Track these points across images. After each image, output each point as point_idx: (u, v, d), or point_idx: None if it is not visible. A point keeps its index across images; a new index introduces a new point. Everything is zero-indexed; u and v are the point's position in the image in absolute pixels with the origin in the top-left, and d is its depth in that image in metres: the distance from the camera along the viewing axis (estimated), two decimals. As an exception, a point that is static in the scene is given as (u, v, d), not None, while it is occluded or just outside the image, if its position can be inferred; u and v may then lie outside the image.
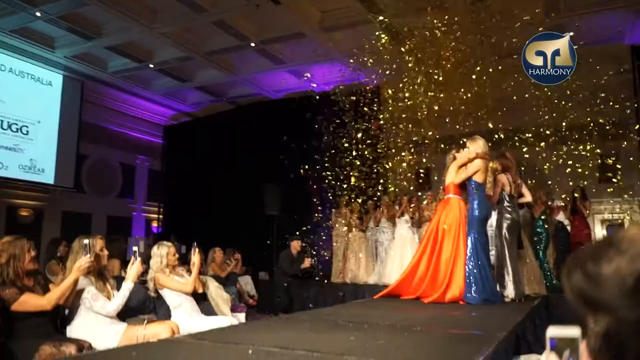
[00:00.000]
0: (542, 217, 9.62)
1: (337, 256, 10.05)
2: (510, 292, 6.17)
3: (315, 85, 11.11)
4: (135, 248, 3.90)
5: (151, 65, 10.09)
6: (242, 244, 11.31)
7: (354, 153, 9.72)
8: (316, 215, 9.59)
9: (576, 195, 9.36)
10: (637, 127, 9.81)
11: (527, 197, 6.57)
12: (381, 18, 8.17)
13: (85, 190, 11.64)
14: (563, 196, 9.80)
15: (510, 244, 6.30)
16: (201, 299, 5.02)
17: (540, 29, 8.95)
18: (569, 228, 9.51)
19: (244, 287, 10.41)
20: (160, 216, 13.07)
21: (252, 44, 9.05)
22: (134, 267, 3.75)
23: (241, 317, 6.68)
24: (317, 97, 11.17)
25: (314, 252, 9.34)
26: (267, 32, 8.79)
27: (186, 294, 4.52)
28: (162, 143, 13.36)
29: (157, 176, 13.31)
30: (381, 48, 9.16)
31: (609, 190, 10.60)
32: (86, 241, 3.46)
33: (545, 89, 9.95)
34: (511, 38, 9.18)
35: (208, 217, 12.09)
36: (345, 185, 9.64)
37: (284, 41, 9.06)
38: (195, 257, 4.63)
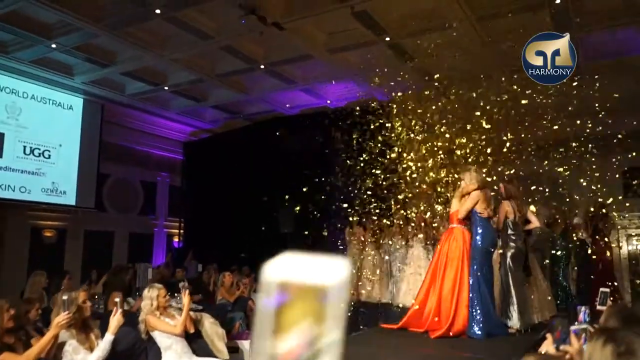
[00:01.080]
0: (562, 236, 9.40)
1: (351, 276, 10.05)
2: (515, 322, 6.05)
3: (329, 102, 11.15)
4: (118, 299, 3.94)
5: (166, 88, 10.28)
6: (259, 260, 11.43)
7: (368, 169, 9.64)
8: (324, 232, 9.55)
9: (595, 212, 9.08)
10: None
11: (535, 223, 6.42)
12: (388, 39, 8.12)
13: (107, 209, 11.95)
14: (582, 213, 9.52)
15: (515, 273, 6.17)
16: (196, 337, 5.09)
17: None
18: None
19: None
20: (181, 231, 13.30)
21: (262, 67, 9.12)
22: (115, 319, 3.82)
23: (246, 344, 6.75)
24: (331, 114, 11.27)
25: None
26: (274, 55, 8.84)
27: (177, 335, 4.58)
28: (182, 159, 13.59)
29: (178, 192, 13.56)
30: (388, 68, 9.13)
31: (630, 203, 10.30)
32: (65, 297, 3.56)
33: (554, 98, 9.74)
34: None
35: (227, 231, 12.26)
36: (358, 202, 9.58)
37: (292, 63, 9.10)
38: (185, 299, 4.69)
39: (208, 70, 9.58)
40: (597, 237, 8.98)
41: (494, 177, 7.56)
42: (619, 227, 10.32)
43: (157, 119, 12.42)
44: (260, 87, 10.33)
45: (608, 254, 8.97)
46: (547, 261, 9.39)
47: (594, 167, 9.92)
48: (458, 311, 5.74)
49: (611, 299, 8.27)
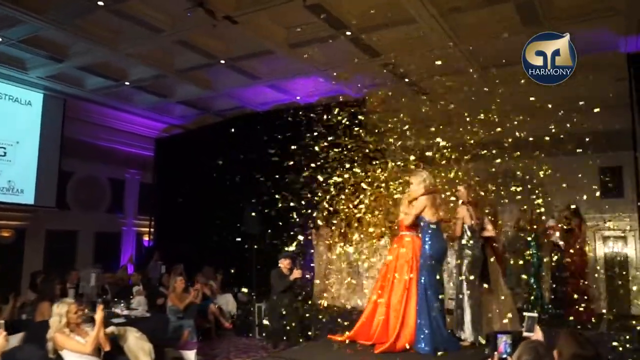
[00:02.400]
0: (534, 238, 9.08)
1: (319, 276, 9.72)
2: (468, 335, 5.73)
3: (299, 98, 10.78)
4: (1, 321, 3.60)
5: (127, 83, 9.90)
6: (228, 260, 11.10)
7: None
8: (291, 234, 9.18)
9: (569, 214, 8.73)
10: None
11: (490, 232, 6.07)
12: (348, 33, 7.74)
13: (71, 208, 11.58)
14: (556, 214, 9.17)
15: (471, 282, 5.84)
16: (117, 354, 4.76)
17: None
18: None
19: (225, 306, 10.18)
20: (152, 230, 12.95)
21: (222, 61, 8.74)
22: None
23: (190, 355, 6.42)
24: (301, 110, 10.92)
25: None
26: (235, 50, 8.48)
27: (88, 354, 4.24)
28: (153, 156, 13.22)
29: (149, 189, 13.20)
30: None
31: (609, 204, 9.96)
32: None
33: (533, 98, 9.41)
34: (494, 49, 8.65)
35: (198, 231, 11.92)
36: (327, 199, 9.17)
37: (253, 58, 8.73)
38: (98, 314, 4.35)
39: (168, 66, 9.21)
40: (570, 239, 8.63)
41: (460, 179, 7.24)
42: (595, 229, 9.99)
43: (123, 115, 12.04)
44: (225, 82, 9.97)
45: (583, 257, 8.62)
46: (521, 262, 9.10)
47: (573, 166, 9.70)
48: (405, 324, 5.42)
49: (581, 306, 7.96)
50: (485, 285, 6.37)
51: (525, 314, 3.08)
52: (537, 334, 2.96)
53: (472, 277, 5.79)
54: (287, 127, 10.79)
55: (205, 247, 11.40)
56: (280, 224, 10.16)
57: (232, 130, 11.44)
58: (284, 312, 6.84)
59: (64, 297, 6.95)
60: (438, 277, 5.44)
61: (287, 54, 8.48)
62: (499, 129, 10.16)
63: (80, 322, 4.38)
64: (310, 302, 8.86)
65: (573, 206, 8.74)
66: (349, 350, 5.39)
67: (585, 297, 8.28)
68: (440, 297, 5.49)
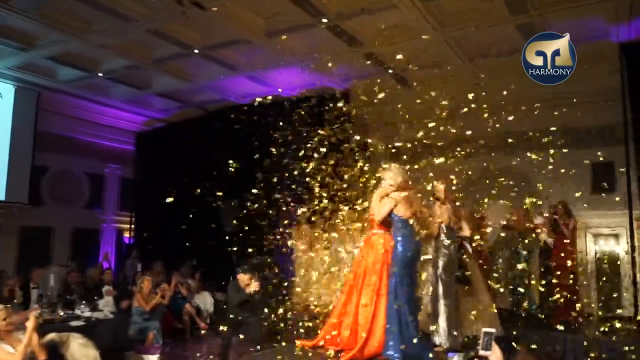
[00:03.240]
0: (522, 237, 8.74)
1: (299, 278, 9.38)
2: (442, 340, 5.38)
3: (281, 90, 10.41)
4: None
5: (100, 74, 9.53)
6: (207, 258, 10.77)
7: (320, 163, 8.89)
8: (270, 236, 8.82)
9: (559, 211, 8.37)
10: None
11: (465, 232, 5.71)
12: (325, 20, 7.37)
13: (46, 203, 11.22)
14: (546, 215, 8.81)
15: (446, 283, 5.49)
16: (58, 363, 4.40)
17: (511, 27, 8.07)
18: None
19: (203, 305, 9.86)
20: (133, 226, 12.59)
21: (195, 51, 8.37)
22: None
23: (153, 358, 6.08)
24: (285, 103, 10.55)
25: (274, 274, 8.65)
26: (208, 39, 8.10)
27: (19, 365, 3.88)
28: (134, 150, 12.84)
29: (130, 184, 12.83)
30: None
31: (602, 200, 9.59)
32: None
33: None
34: (480, 38, 8.28)
35: (180, 227, 11.56)
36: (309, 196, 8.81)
37: (229, 47, 8.36)
38: (30, 321, 3.98)
39: (141, 56, 8.85)
40: (559, 237, 8.28)
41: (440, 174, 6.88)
42: (586, 227, 9.64)
43: (101, 108, 11.66)
44: (203, 74, 9.60)
45: (571, 256, 8.26)
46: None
47: (564, 162, 9.33)
48: (374, 329, 5.06)
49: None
50: (465, 287, 6.05)
51: (483, 329, 2.71)
52: (495, 353, 2.60)
53: (447, 278, 5.45)
54: (269, 120, 10.48)
55: (184, 244, 11.05)
56: (259, 221, 9.85)
57: (214, 124, 11.11)
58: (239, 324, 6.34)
59: (13, 299, 6.66)
60: (410, 278, 5.07)
61: (264, 43, 8.13)
62: (486, 123, 9.91)
63: (11, 329, 4.02)
64: (289, 302, 8.53)
65: (563, 203, 8.36)
66: (311, 356, 5.03)
67: (574, 298, 7.95)
68: (413, 300, 5.13)
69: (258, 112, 10.82)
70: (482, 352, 2.68)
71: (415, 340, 4.98)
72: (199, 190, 10.52)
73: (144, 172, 12.65)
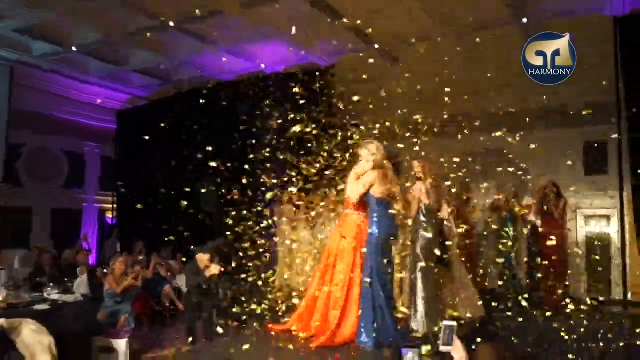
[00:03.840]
0: (510, 219, 8.50)
1: (280, 259, 9.13)
2: (420, 325, 5.14)
3: (264, 66, 10.06)
4: None
5: (74, 49, 9.13)
6: (190, 237, 10.51)
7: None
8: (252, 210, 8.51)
9: (548, 192, 8.10)
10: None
11: (443, 213, 5.44)
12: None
13: (23, 183, 10.89)
14: (535, 195, 8.55)
15: (425, 267, 5.23)
16: (9, 349, 4.14)
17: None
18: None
19: (184, 288, 9.61)
20: (115, 206, 12.28)
21: (171, 24, 7.98)
22: None
23: (121, 343, 5.83)
24: (268, 79, 10.21)
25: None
26: (181, 11, 7.71)
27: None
28: (115, 128, 12.47)
29: (112, 164, 12.49)
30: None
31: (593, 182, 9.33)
32: None
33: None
34: (468, 11, 7.93)
35: (162, 207, 11.29)
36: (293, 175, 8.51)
37: (204, 20, 7.96)
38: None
39: (113, 29, 8.46)
40: (548, 219, 8.02)
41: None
42: (575, 208, 9.38)
43: (81, 85, 11.25)
44: (180, 48, 9.24)
45: (560, 238, 8.01)
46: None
47: (555, 141, 9.05)
48: (346, 315, 4.82)
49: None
50: (445, 269, 5.81)
51: (443, 322, 2.44)
52: (457, 349, 2.34)
53: (426, 261, 5.19)
54: (252, 98, 10.16)
55: (167, 224, 10.79)
56: (242, 199, 9.58)
57: (196, 101, 10.76)
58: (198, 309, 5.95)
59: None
60: (385, 261, 4.81)
61: (240, 15, 7.73)
62: (474, 101, 9.60)
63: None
64: (271, 284, 8.29)
65: (553, 183, 8.09)
66: (273, 342, 4.77)
67: (563, 281, 7.74)
68: (388, 284, 4.88)
69: (240, 89, 10.54)
70: (443, 348, 2.42)
71: (391, 326, 4.74)
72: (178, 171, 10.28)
73: (125, 151, 12.30)
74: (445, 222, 7.02)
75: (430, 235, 5.19)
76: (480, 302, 6.13)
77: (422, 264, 5.15)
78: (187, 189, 9.97)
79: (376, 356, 4.43)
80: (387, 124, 9.13)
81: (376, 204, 4.85)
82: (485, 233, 8.56)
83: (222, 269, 6.02)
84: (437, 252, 5.34)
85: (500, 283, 8.01)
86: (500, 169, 9.34)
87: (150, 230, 10.99)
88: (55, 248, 10.07)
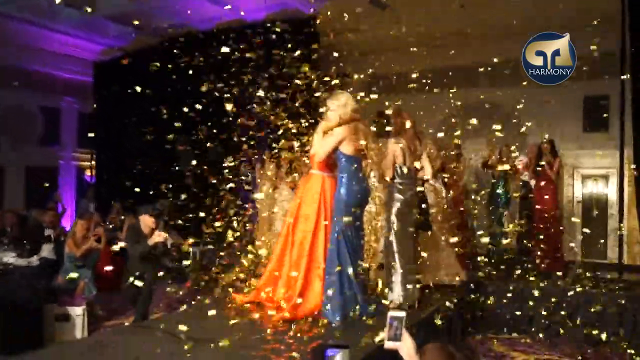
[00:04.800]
0: (502, 177, 8.00)
1: (261, 223, 8.66)
2: (396, 296, 4.71)
3: (243, 13, 9.37)
4: None
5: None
6: (168, 196, 10.08)
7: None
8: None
9: (542, 149, 7.57)
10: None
11: (427, 172, 4.93)
12: None
13: (-7, 141, 10.41)
14: (528, 153, 8.01)
15: (400, 232, 4.75)
16: None
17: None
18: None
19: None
20: (94, 163, 11.80)
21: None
22: None
23: (77, 310, 5.46)
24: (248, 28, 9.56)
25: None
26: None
27: None
28: (92, 81, 11.85)
29: (90, 119, 11.93)
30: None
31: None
32: None
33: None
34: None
35: (142, 165, 10.82)
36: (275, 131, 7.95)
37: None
38: None
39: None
40: (542, 177, 7.51)
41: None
42: (575, 166, 8.88)
43: (55, 35, 10.59)
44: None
45: (553, 199, 7.52)
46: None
47: (553, 95, 8.44)
48: (310, 285, 4.39)
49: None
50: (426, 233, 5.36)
51: (389, 313, 1.97)
52: (406, 344, 1.88)
53: (402, 226, 4.71)
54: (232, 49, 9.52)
55: (146, 183, 10.33)
56: (221, 158, 9.06)
57: (173, 52, 10.11)
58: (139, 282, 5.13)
59: None
60: (355, 226, 4.33)
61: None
62: (468, 52, 8.96)
63: None
64: (250, 249, 7.89)
65: (548, 140, 7.54)
66: (231, 315, 4.34)
67: (556, 244, 7.30)
68: (358, 251, 4.42)
69: (219, 39, 9.87)
70: (388, 345, 1.96)
71: (360, 298, 4.31)
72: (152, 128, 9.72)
73: (104, 105, 11.72)
74: (431, 182, 6.57)
75: (406, 197, 4.69)
76: (459, 265, 5.72)
77: (398, 229, 4.67)
78: (168, 146, 9.50)
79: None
80: (374, 75, 8.60)
81: (346, 162, 4.34)
82: (476, 193, 8.07)
83: (167, 237, 5.45)
84: (416, 215, 4.86)
85: (490, 247, 7.57)
86: (494, 125, 8.83)
87: (129, 190, 10.55)
88: (28, 208, 9.67)
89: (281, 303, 4.33)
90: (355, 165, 4.38)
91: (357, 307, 4.25)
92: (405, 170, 4.71)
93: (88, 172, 12.03)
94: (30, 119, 11.15)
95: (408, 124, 4.71)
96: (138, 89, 8.67)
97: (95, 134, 11.47)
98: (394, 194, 4.73)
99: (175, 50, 9.68)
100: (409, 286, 4.72)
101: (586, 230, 7.36)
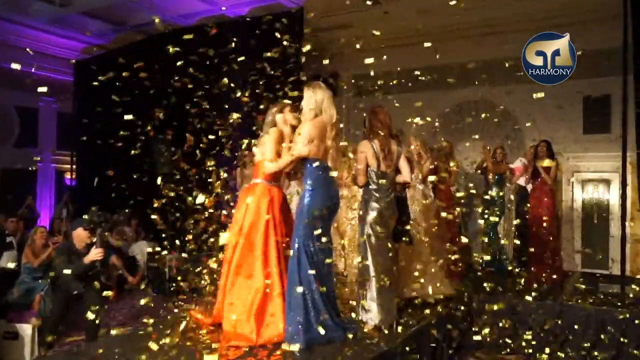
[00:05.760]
0: (496, 182, 7.53)
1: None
2: (373, 316, 4.22)
3: (224, 8, 8.93)
4: None
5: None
6: (145, 202, 9.64)
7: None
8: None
9: (539, 152, 7.08)
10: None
11: (404, 176, 4.43)
12: None
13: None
14: (525, 156, 7.53)
15: (377, 245, 4.27)
16: None
17: None
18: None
19: (139, 256, 8.80)
20: (74, 166, 11.32)
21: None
22: None
23: (27, 328, 4.97)
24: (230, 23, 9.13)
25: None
26: None
27: None
28: (73, 81, 11.38)
29: (69, 120, 11.46)
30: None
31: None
32: None
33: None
34: None
35: (122, 168, 10.36)
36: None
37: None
38: None
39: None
40: (539, 182, 7.03)
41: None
42: (573, 170, 8.38)
43: (32, 32, 10.13)
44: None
45: (550, 205, 7.03)
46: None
47: (552, 95, 7.94)
48: (266, 309, 3.89)
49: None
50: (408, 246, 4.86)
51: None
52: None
53: (377, 238, 4.22)
54: (214, 45, 9.10)
55: (123, 187, 9.87)
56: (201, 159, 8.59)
57: (155, 49, 9.68)
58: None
59: None
60: (322, 240, 3.84)
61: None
62: (464, 48, 8.49)
63: None
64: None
65: (545, 142, 7.05)
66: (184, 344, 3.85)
67: (553, 253, 6.81)
68: (324, 267, 3.92)
69: (201, 35, 9.44)
70: None
71: (328, 321, 3.81)
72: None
73: (84, 105, 11.24)
74: (419, 187, 6.09)
75: (382, 205, 4.20)
76: (446, 279, 5.24)
77: (373, 242, 4.18)
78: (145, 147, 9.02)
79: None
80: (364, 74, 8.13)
81: (312, 166, 3.85)
82: (468, 199, 7.60)
83: (102, 255, 4.81)
84: (393, 225, 4.38)
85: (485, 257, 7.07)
86: (490, 125, 8.37)
87: (107, 194, 10.09)
88: (1, 212, 9.23)
89: (237, 329, 3.84)
90: (323, 170, 3.89)
91: (324, 331, 3.75)
92: (379, 174, 4.22)
93: (68, 175, 11.56)
94: (5, 119, 10.68)
95: (381, 123, 4.21)
96: (116, 97, 8.26)
97: (75, 135, 11.03)
98: (368, 202, 4.24)
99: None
100: (387, 305, 4.24)
101: (588, 250, 6.87)
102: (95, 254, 4.54)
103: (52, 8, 9.05)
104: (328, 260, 3.87)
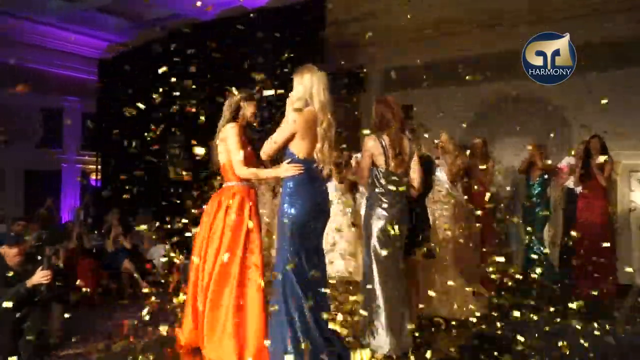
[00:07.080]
0: (540, 184, 6.70)
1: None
2: (382, 342, 3.56)
3: (241, 0, 8.47)
4: None
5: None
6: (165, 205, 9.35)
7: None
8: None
9: (588, 150, 6.22)
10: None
11: (414, 181, 3.73)
12: None
13: (-8, 144, 9.85)
14: (573, 154, 6.64)
15: (385, 259, 3.59)
16: None
17: None
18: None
19: (157, 261, 8.46)
20: (99, 167, 11.10)
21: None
22: None
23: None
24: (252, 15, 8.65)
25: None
26: None
27: None
28: (97, 80, 11.17)
29: (94, 120, 11.27)
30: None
31: None
32: None
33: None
34: None
35: (147, 169, 10.10)
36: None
37: None
38: None
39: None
40: (591, 185, 6.16)
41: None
42: (629, 169, 7.39)
43: (55, 31, 9.97)
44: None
45: (602, 209, 6.16)
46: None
47: (608, 84, 7.03)
48: (244, 335, 3.30)
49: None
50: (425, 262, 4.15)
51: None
52: None
53: (387, 253, 3.54)
54: (236, 39, 8.67)
55: (147, 188, 9.58)
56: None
57: (175, 45, 9.36)
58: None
59: None
60: (310, 253, 3.21)
61: None
62: (499, 38, 7.73)
63: None
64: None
65: (597, 138, 6.18)
66: None
67: (606, 266, 5.94)
68: (315, 284, 3.28)
69: (221, 28, 9.01)
70: None
71: (321, 345, 3.18)
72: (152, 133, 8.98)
73: (109, 105, 11.03)
74: (448, 189, 5.37)
75: (392, 212, 3.51)
76: (471, 302, 4.49)
77: (381, 257, 3.51)
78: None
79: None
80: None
81: (295, 160, 3.21)
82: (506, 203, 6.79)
83: (48, 278, 4.12)
84: (405, 235, 3.69)
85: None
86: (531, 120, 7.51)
87: (131, 196, 9.83)
88: (27, 213, 9.06)
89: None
90: (311, 170, 3.25)
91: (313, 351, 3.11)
92: (387, 175, 3.54)
93: (93, 176, 11.36)
94: (29, 120, 10.57)
95: (392, 114, 3.53)
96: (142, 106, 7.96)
97: (100, 136, 10.82)
98: (374, 209, 3.56)
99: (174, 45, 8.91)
100: (398, 330, 3.56)
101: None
102: (41, 277, 3.92)
103: (67, 4, 8.80)
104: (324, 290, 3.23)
